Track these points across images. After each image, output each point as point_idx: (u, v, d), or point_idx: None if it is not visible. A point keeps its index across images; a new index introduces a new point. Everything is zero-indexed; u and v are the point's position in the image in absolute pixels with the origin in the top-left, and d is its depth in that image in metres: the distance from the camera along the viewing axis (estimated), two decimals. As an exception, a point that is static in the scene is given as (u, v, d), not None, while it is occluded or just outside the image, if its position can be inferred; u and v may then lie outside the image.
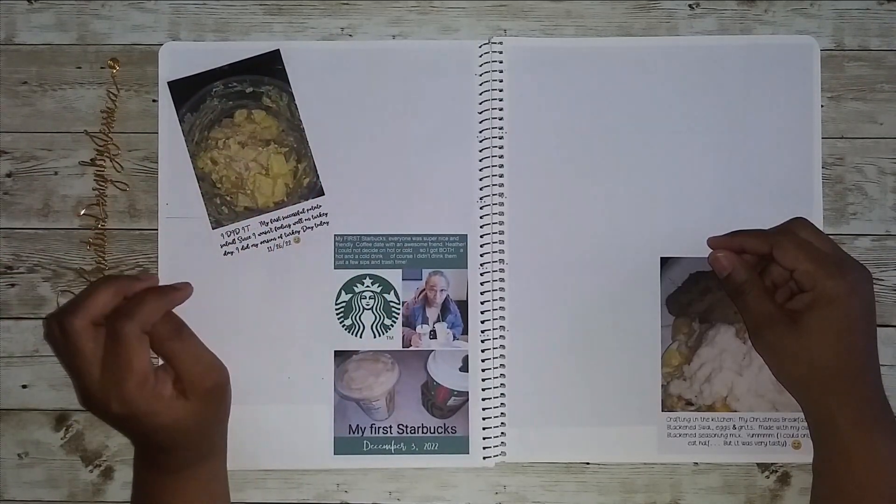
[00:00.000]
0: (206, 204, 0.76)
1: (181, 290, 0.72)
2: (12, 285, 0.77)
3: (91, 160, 0.77)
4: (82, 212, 0.77)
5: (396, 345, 0.76)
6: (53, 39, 0.78)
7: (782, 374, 0.72)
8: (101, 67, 0.78)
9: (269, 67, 0.77)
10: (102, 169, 0.77)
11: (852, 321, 0.68)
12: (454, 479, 0.76)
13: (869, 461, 0.67)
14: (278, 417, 0.74)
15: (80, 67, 0.78)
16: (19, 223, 0.77)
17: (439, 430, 0.76)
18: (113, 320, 0.66)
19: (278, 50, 0.77)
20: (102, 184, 0.77)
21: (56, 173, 0.77)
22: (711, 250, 0.74)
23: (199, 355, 0.70)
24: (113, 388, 0.65)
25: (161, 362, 0.69)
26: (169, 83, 0.77)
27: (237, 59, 0.77)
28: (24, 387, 0.77)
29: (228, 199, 0.76)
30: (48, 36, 0.78)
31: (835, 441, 0.68)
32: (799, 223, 0.72)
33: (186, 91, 0.77)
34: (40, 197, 0.77)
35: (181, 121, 0.77)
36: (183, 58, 0.77)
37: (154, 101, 0.77)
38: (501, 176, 0.77)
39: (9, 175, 0.77)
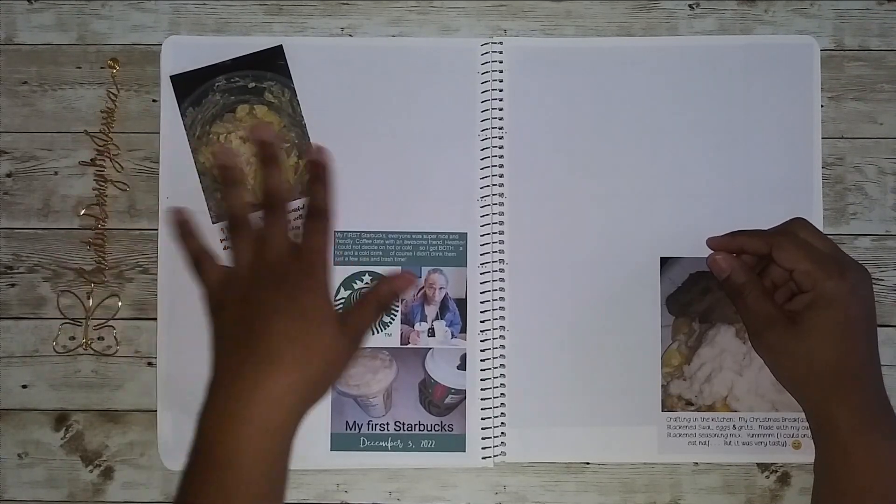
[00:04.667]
0: (206, 198, 0.76)
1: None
2: (12, 285, 0.77)
3: (91, 160, 0.77)
4: (82, 212, 0.77)
5: (394, 342, 0.76)
6: (53, 39, 0.78)
7: (782, 375, 0.72)
8: (101, 67, 0.78)
9: (271, 63, 0.77)
10: (102, 169, 0.77)
11: (852, 321, 0.68)
12: (454, 479, 0.76)
13: (870, 462, 0.67)
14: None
15: (80, 67, 0.78)
16: (19, 223, 0.77)
17: (436, 427, 0.76)
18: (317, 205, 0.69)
19: (281, 45, 0.77)
20: (102, 184, 0.77)
21: (56, 173, 0.77)
22: (710, 251, 0.74)
23: (368, 329, 0.70)
24: (309, 270, 0.67)
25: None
26: (171, 77, 0.77)
27: (240, 55, 0.77)
28: (24, 387, 0.77)
29: (229, 194, 0.76)
30: (48, 36, 0.78)
31: (835, 441, 0.68)
32: (798, 223, 0.72)
33: (189, 85, 0.77)
34: (40, 197, 0.77)
35: (183, 115, 0.77)
36: (185, 52, 0.77)
37: (154, 101, 0.77)
38: (501, 175, 0.77)
39: (9, 175, 0.77)
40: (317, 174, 0.70)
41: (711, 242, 0.74)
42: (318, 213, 0.69)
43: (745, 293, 0.71)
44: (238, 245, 0.69)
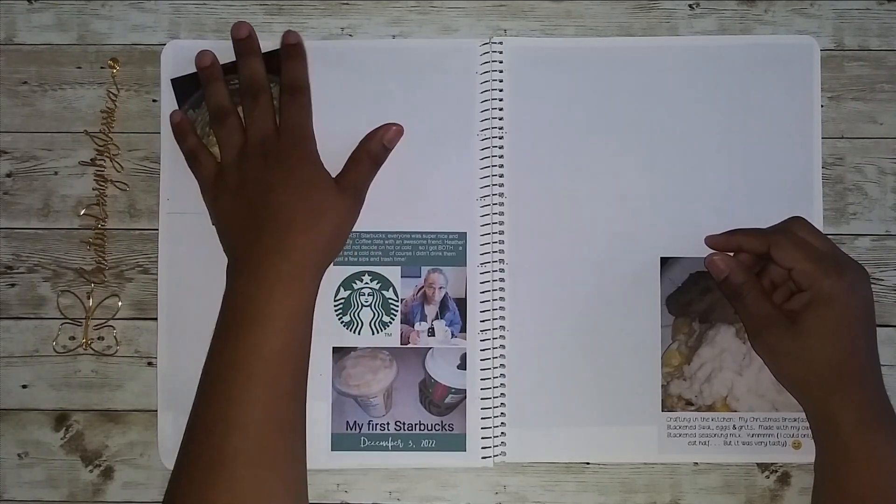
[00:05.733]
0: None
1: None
2: (12, 285, 0.77)
3: (91, 160, 0.77)
4: (82, 212, 0.77)
5: (395, 342, 0.76)
6: (53, 39, 0.78)
7: (782, 375, 0.72)
8: (101, 67, 0.78)
9: (270, 65, 0.76)
10: (102, 169, 0.77)
11: (850, 320, 0.68)
12: (454, 479, 0.76)
13: (871, 461, 0.67)
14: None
15: (80, 67, 0.78)
16: (19, 223, 0.77)
17: (436, 427, 0.76)
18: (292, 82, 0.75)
19: (279, 48, 0.77)
20: (102, 184, 0.77)
21: (56, 173, 0.77)
22: (709, 252, 0.74)
23: (367, 184, 0.76)
24: (298, 140, 0.73)
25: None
26: (172, 80, 0.77)
27: (239, 58, 0.77)
28: (24, 387, 0.77)
29: (229, 195, 0.76)
30: (48, 36, 0.78)
31: (836, 441, 0.68)
32: (797, 222, 0.72)
33: (189, 88, 0.77)
34: (40, 197, 0.77)
35: (184, 118, 0.77)
36: (186, 55, 0.77)
37: (154, 101, 0.77)
38: (501, 175, 0.77)
39: (9, 175, 0.77)
40: (289, 52, 0.76)
41: (710, 241, 0.74)
42: (295, 89, 0.75)
43: (743, 294, 0.71)
44: (224, 134, 0.74)
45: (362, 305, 0.76)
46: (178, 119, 0.76)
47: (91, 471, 0.77)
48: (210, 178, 0.74)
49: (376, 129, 0.75)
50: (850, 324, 0.68)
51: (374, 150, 0.75)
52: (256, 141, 0.72)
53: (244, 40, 0.75)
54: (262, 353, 0.66)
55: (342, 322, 0.76)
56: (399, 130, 0.76)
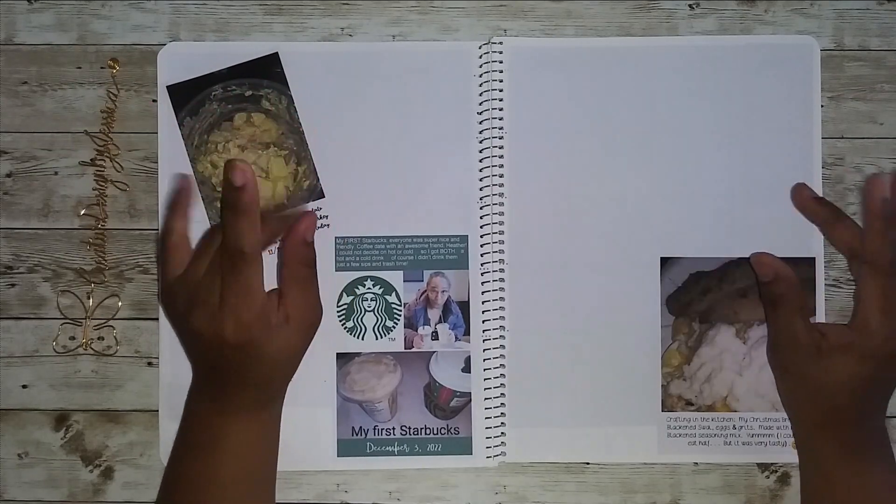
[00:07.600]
0: (206, 208, 0.76)
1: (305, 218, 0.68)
2: (12, 285, 0.77)
3: (91, 160, 0.77)
4: (82, 212, 0.77)
5: (398, 346, 0.76)
6: (53, 39, 0.78)
7: (782, 390, 0.72)
8: (101, 67, 0.78)
9: (268, 70, 0.77)
10: (102, 169, 0.77)
11: (876, 383, 0.68)
12: (454, 479, 0.77)
13: (854, 489, 0.67)
14: (282, 420, 0.73)
15: (80, 67, 0.78)
16: (19, 223, 0.77)
17: (442, 431, 0.76)
18: (233, 244, 0.63)
19: (277, 53, 0.77)
20: (102, 184, 0.77)
21: (56, 173, 0.77)
22: (755, 253, 0.73)
23: (314, 289, 0.69)
24: (231, 311, 0.64)
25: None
26: (168, 87, 0.77)
27: (236, 63, 0.77)
28: (24, 387, 0.77)
29: (229, 202, 0.76)
30: (48, 36, 0.78)
31: (819, 469, 0.68)
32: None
33: (185, 95, 0.77)
34: (40, 197, 0.77)
35: (180, 125, 0.76)
36: (181, 61, 0.77)
37: (154, 101, 0.77)
38: (501, 176, 0.77)
39: (9, 175, 0.77)
40: (231, 201, 0.63)
41: (798, 192, 0.75)
42: (236, 254, 0.63)
43: (779, 305, 0.70)
44: (203, 266, 0.67)
45: (365, 311, 0.76)
46: (185, 185, 0.74)
47: (91, 471, 0.77)
48: (171, 281, 0.68)
49: (292, 228, 0.67)
50: (876, 383, 0.68)
51: (301, 256, 0.68)
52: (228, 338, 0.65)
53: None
54: (219, 479, 0.67)
55: (345, 328, 0.76)
56: (313, 217, 0.69)
